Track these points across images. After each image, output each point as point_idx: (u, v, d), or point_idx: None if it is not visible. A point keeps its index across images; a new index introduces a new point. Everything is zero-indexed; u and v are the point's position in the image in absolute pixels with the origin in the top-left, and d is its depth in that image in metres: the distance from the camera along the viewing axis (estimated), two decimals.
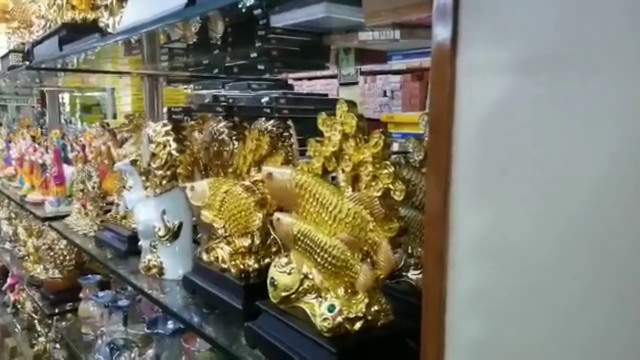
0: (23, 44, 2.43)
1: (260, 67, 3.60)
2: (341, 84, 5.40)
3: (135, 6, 1.20)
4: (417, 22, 1.24)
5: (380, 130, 0.75)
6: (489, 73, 0.55)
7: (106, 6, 1.50)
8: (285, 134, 1.36)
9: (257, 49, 2.76)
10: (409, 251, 0.95)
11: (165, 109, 3.28)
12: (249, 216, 1.04)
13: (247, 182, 1.07)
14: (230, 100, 4.03)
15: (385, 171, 0.73)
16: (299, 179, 0.84)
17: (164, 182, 1.25)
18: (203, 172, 1.38)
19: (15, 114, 7.07)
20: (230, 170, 1.30)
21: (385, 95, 5.41)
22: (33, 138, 2.65)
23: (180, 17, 0.94)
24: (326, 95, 4.32)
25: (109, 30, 1.46)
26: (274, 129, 1.34)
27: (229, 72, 3.85)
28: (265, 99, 3.73)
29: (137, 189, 1.37)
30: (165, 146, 1.23)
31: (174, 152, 1.23)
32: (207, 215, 1.13)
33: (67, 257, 2.17)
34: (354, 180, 0.80)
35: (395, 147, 3.87)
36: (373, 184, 0.75)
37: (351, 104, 0.80)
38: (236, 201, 1.05)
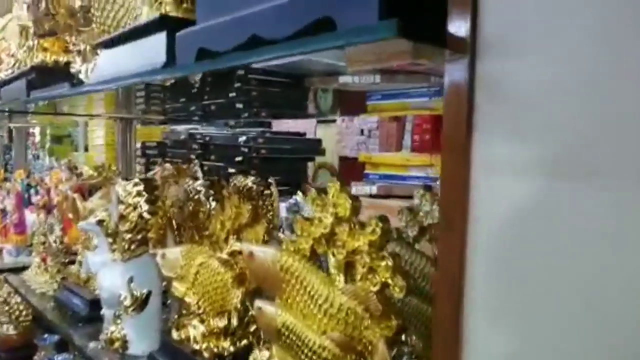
0: None
1: (239, 106, 3.53)
2: (319, 122, 5.38)
3: (110, 57, 1.12)
4: (398, 68, 1.21)
5: (379, 216, 0.67)
6: (510, 171, 0.48)
7: (79, 52, 1.42)
8: (267, 191, 1.28)
9: (236, 89, 2.69)
10: (402, 339, 0.86)
11: (138, 144, 3.18)
12: (226, 293, 0.94)
13: (224, 255, 0.98)
14: (207, 138, 3.94)
15: (384, 264, 0.65)
16: (284, 261, 0.75)
17: (132, 246, 1.14)
18: (176, 233, 1.28)
19: None
20: (206, 233, 1.21)
21: (362, 134, 5.42)
22: None
23: (157, 75, 0.86)
24: (304, 134, 4.28)
25: (81, 76, 1.38)
26: (254, 186, 1.26)
27: (206, 111, 3.78)
28: (242, 138, 3.66)
29: (102, 250, 1.25)
30: (135, 208, 1.13)
31: (145, 215, 1.13)
32: (178, 288, 1.03)
33: (24, 312, 2.00)
34: (347, 267, 0.72)
35: (374, 188, 3.75)
36: (369, 276, 0.67)
37: (342, 184, 0.72)
38: (212, 276, 0.96)
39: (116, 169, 1.97)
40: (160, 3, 1.00)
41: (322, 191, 0.76)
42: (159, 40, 0.90)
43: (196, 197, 1.23)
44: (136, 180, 1.15)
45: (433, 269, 0.84)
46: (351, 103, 5.16)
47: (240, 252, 0.99)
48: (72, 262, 1.67)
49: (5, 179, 2.72)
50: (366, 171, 4.75)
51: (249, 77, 2.33)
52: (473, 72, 0.49)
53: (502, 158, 0.48)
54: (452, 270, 0.50)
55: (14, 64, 2.01)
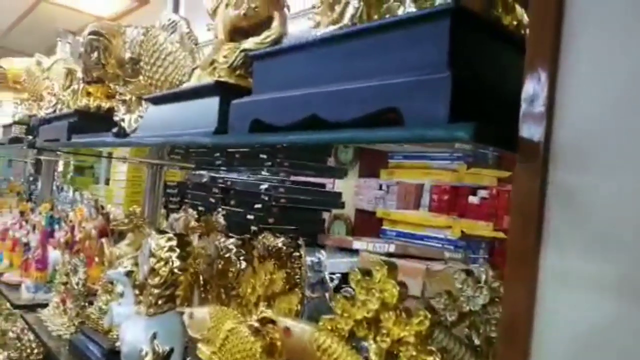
0: (30, 116, 2.39)
1: (263, 156, 3.57)
2: None
3: (158, 112, 1.15)
4: None
5: (426, 307, 0.66)
6: (580, 287, 0.47)
7: (124, 101, 1.46)
8: (296, 253, 1.27)
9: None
10: None
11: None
12: None
13: (255, 323, 0.96)
14: (228, 183, 3.98)
15: (431, 358, 0.63)
16: (322, 341, 0.74)
17: (160, 302, 1.13)
18: (202, 289, 1.27)
19: (6, 169, 6.91)
20: (234, 293, 1.20)
21: (381, 188, 5.42)
22: (21, 213, 2.52)
23: (209, 139, 0.87)
24: (324, 185, 4.29)
25: (124, 125, 1.41)
26: (284, 247, 1.25)
27: (230, 159, 3.82)
28: (264, 186, 3.68)
29: (127, 302, 1.24)
30: (167, 263, 1.13)
31: (176, 271, 1.13)
32: (204, 351, 1.00)
33: (35, 351, 1.97)
34: (388, 355, 0.70)
35: (392, 247, 3.68)
36: None
37: (392, 266, 0.71)
38: (241, 344, 0.93)
39: (141, 210, 1.98)
40: (214, 68, 1.04)
41: (366, 272, 0.75)
42: (212, 105, 0.93)
43: (227, 255, 1.23)
44: (170, 235, 1.15)
45: (472, 358, 0.81)
46: (372, 160, 5.19)
47: (270, 320, 0.97)
48: (91, 303, 1.65)
49: (31, 210, 2.76)
50: (383, 227, 4.72)
51: None
52: (545, 180, 0.49)
53: (572, 272, 0.47)
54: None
55: (55, 104, 2.07)
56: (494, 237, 4.18)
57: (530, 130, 0.50)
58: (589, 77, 0.48)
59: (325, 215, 4.34)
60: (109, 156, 2.31)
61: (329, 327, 0.77)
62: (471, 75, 0.56)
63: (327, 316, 0.79)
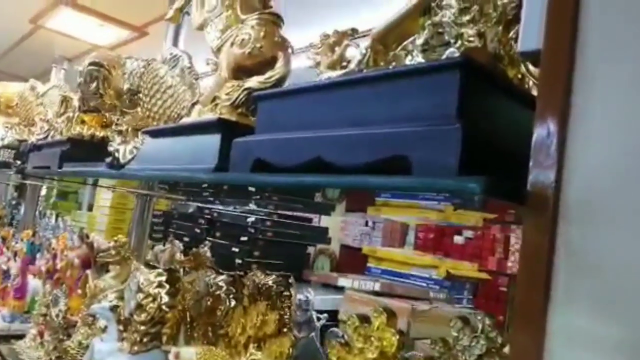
0: (20, 141, 2.36)
1: (251, 189, 3.54)
2: None
3: (156, 145, 1.14)
4: None
5: (435, 349, 0.65)
6: (588, 348, 0.46)
7: (120, 132, 1.45)
8: (286, 293, 1.25)
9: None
10: None
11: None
12: None
13: None
14: (215, 214, 3.94)
15: None
16: None
17: (145, 339, 1.10)
18: (189, 327, 1.24)
19: None
20: (222, 332, 1.17)
21: (366, 225, 5.41)
22: (3, 239, 2.46)
23: (209, 177, 0.87)
24: (310, 220, 4.28)
25: (118, 156, 1.40)
26: (275, 286, 1.23)
27: (218, 189, 3.79)
28: (250, 219, 3.65)
29: (110, 338, 1.20)
30: (155, 299, 1.10)
31: (164, 308, 1.10)
32: None
33: None
34: None
35: (377, 285, 3.65)
36: None
37: (390, 314, 0.70)
38: None
39: (126, 240, 1.95)
40: (216, 104, 1.04)
41: (364, 318, 0.73)
42: (213, 141, 0.92)
43: (216, 292, 1.20)
44: (160, 270, 1.13)
45: None
46: (359, 196, 5.20)
47: None
48: (69, 336, 1.60)
49: (12, 236, 2.69)
50: (369, 264, 4.69)
51: None
52: (554, 236, 0.49)
53: (581, 331, 0.47)
54: None
55: (47, 130, 2.06)
56: (479, 277, 4.18)
57: (539, 184, 0.51)
58: (599, 131, 0.49)
59: (310, 250, 4.31)
60: (98, 184, 2.28)
61: None
62: (480, 127, 0.57)
63: None
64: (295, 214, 3.88)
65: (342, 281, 3.95)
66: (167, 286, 1.11)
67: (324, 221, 4.40)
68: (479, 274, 4.14)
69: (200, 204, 4.13)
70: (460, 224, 4.44)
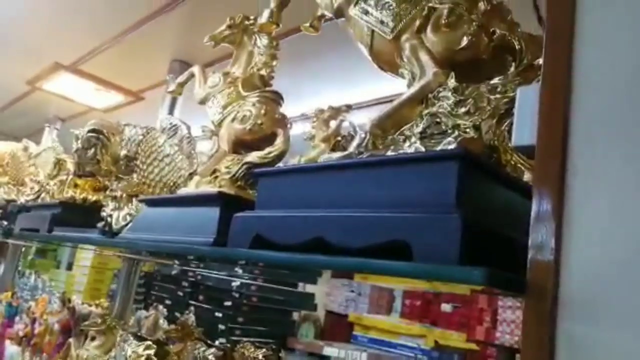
0: (7, 201, 2.34)
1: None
2: None
3: (152, 215, 1.15)
4: None
5: None
6: None
7: (114, 197, 1.46)
8: None
9: None
10: None
11: None
12: None
13: None
14: (199, 277, 3.87)
15: None
16: None
17: None
18: None
19: None
20: None
21: (352, 291, 5.33)
22: None
23: (207, 252, 0.87)
24: (296, 285, 4.22)
25: (111, 221, 1.40)
26: (264, 359, 1.21)
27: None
28: (236, 283, 3.59)
29: None
30: None
31: None
32: None
33: None
34: None
35: (364, 356, 3.57)
36: None
37: None
38: None
39: (109, 305, 1.90)
40: (216, 177, 1.07)
41: None
42: (212, 214, 0.94)
43: None
44: (149, 342, 1.10)
45: None
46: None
47: None
48: None
49: None
50: (355, 332, 4.59)
51: None
52: (554, 329, 0.50)
53: None
54: None
55: (38, 191, 2.05)
56: (467, 348, 4.10)
57: (538, 278, 0.52)
58: (595, 225, 0.51)
59: (295, 315, 4.22)
60: (85, 248, 2.25)
61: None
62: (478, 215, 0.59)
63: None
64: (280, 279, 3.84)
65: (328, 350, 3.85)
66: None
67: (310, 287, 4.34)
68: (467, 344, 4.06)
69: (185, 267, 4.06)
70: (448, 292, 4.41)
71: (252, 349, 1.25)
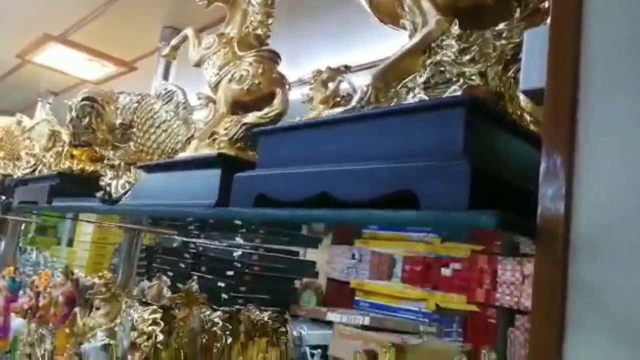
0: (4, 175, 2.32)
1: (238, 222, 3.52)
2: None
3: (152, 180, 1.14)
4: None
5: None
6: None
7: (112, 166, 1.44)
8: (282, 329, 1.23)
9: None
10: None
11: None
12: None
13: None
14: (200, 249, 3.89)
15: None
16: None
17: None
18: None
19: None
20: None
21: (353, 257, 5.38)
22: None
23: (209, 213, 0.86)
24: (297, 253, 4.25)
25: (110, 190, 1.38)
26: (270, 322, 1.22)
27: (204, 222, 3.75)
28: (237, 253, 3.61)
29: None
30: (150, 337, 1.07)
31: (159, 346, 1.07)
32: None
33: None
34: None
35: (367, 320, 3.61)
36: None
37: (399, 348, 0.70)
38: None
39: (113, 276, 1.91)
40: (214, 140, 1.05)
41: (372, 354, 0.73)
42: (213, 177, 0.92)
43: (212, 329, 1.18)
44: (155, 307, 1.11)
45: None
46: (346, 228, 5.18)
47: None
48: None
49: None
50: (357, 298, 4.65)
51: None
52: (566, 271, 0.49)
53: None
54: None
55: (34, 164, 2.03)
56: (467, 310, 4.17)
57: (549, 218, 0.52)
58: (606, 165, 0.50)
59: (297, 284, 4.27)
60: (85, 220, 2.24)
61: None
62: (485, 162, 0.58)
63: None
64: (282, 247, 3.87)
65: (331, 316, 3.90)
66: (162, 324, 1.09)
67: (310, 255, 4.38)
68: (467, 306, 4.13)
69: (186, 239, 4.08)
70: (448, 255, 4.45)
71: (257, 312, 1.26)
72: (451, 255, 4.43)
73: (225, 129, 1.03)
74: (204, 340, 1.18)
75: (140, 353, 1.07)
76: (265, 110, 1.02)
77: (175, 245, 4.11)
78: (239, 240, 3.83)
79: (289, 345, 1.22)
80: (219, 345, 1.16)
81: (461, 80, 0.66)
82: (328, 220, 0.78)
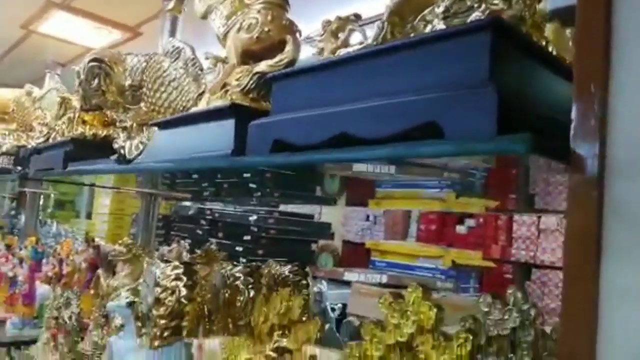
0: (18, 147, 2.33)
1: (252, 186, 3.53)
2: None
3: (166, 137, 1.12)
4: (414, 159, 1.21)
5: (465, 327, 0.64)
6: None
7: (124, 128, 1.43)
8: (303, 282, 1.23)
9: (251, 168, 2.69)
10: None
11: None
12: None
13: (272, 353, 0.92)
14: (216, 215, 3.92)
15: None
16: None
17: (165, 333, 1.08)
18: (207, 322, 1.22)
19: None
20: (242, 323, 1.15)
21: (368, 219, 5.40)
22: (7, 247, 2.43)
23: (227, 163, 0.85)
24: (312, 216, 4.27)
25: (124, 152, 1.38)
26: (291, 275, 1.22)
27: (219, 189, 3.77)
28: (253, 217, 3.64)
29: (129, 335, 1.18)
30: (173, 292, 1.08)
31: (183, 300, 1.08)
32: None
33: None
34: None
35: (384, 277, 3.64)
36: None
37: (425, 289, 0.69)
38: None
39: (134, 241, 1.92)
40: (226, 91, 1.02)
41: (397, 295, 0.72)
42: (227, 127, 0.91)
43: (234, 283, 1.19)
44: (176, 263, 1.11)
45: None
46: (359, 189, 5.19)
47: (287, 350, 0.93)
48: (82, 339, 1.58)
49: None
50: (373, 258, 4.68)
51: None
52: (601, 194, 0.48)
53: (634, 288, 0.45)
54: None
55: (47, 133, 2.03)
56: (484, 266, 4.18)
57: (583, 144, 0.49)
58: None
59: (312, 246, 4.31)
60: (102, 186, 2.25)
61: (357, 354, 0.73)
62: (513, 89, 0.56)
63: (354, 342, 0.76)
64: (296, 211, 3.88)
65: (349, 275, 3.94)
66: (185, 279, 1.09)
67: (325, 218, 4.40)
68: (484, 262, 4.14)
69: (201, 206, 4.11)
70: (463, 212, 4.44)
71: (278, 267, 1.26)
72: (466, 212, 4.42)
73: (237, 79, 1.00)
74: (227, 294, 1.19)
75: (165, 308, 1.08)
76: (277, 58, 0.99)
77: (191, 212, 4.15)
78: (254, 201, 3.85)
79: (311, 297, 1.22)
80: (241, 298, 1.17)
81: (483, 5, 0.63)
82: (350, 160, 0.76)
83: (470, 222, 4.48)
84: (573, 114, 0.50)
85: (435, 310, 0.66)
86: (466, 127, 0.54)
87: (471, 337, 0.62)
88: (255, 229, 3.73)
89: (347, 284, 3.55)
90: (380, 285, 3.39)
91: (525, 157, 0.46)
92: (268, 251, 3.64)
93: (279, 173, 3.08)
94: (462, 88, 0.56)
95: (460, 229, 4.51)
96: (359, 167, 1.46)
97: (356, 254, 4.97)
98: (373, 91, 0.66)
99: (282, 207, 4.32)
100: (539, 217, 3.97)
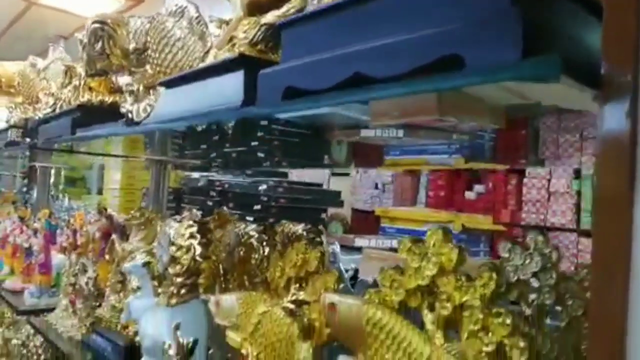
0: (26, 119, 2.32)
1: (260, 155, 3.52)
2: (333, 174, 5.37)
3: (174, 96, 1.11)
4: (422, 123, 1.19)
5: (490, 263, 0.62)
6: None
7: (131, 92, 1.41)
8: (317, 239, 1.23)
9: (258, 138, 2.67)
10: None
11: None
12: (290, 347, 0.88)
13: (289, 304, 0.92)
14: (226, 186, 3.93)
15: (500, 320, 0.59)
16: (371, 314, 0.70)
17: (182, 291, 1.08)
18: (222, 280, 1.23)
19: None
20: (258, 280, 1.15)
21: (376, 187, 5.39)
22: (21, 219, 2.45)
23: (238, 114, 0.83)
24: (321, 185, 4.26)
25: (132, 116, 1.36)
26: (305, 233, 1.21)
27: (227, 159, 3.76)
28: (262, 187, 3.64)
29: (146, 295, 1.19)
30: (188, 250, 1.08)
31: (198, 258, 1.08)
32: (233, 338, 0.96)
33: (42, 357, 1.90)
34: (445, 324, 0.66)
35: (394, 242, 3.69)
36: (481, 335, 0.61)
37: (445, 231, 0.68)
38: (276, 327, 0.89)
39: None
40: (234, 44, 1.00)
41: (416, 240, 0.71)
42: (235, 79, 0.88)
43: (248, 241, 1.18)
44: (190, 222, 1.11)
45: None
46: (368, 156, 5.15)
47: (304, 302, 0.93)
48: (100, 305, 1.60)
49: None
50: (383, 224, 4.69)
51: (272, 126, 2.33)
52: (635, 120, 0.45)
53: None
54: (611, 332, 0.45)
55: (54, 104, 2.02)
56: (494, 230, 4.17)
57: (616, 68, 0.47)
58: None
59: (323, 216, 4.32)
60: (113, 155, 2.25)
61: (377, 300, 0.73)
62: (536, 12, 0.53)
63: (373, 289, 0.75)
64: (301, 178, 3.86)
65: (359, 241, 3.96)
66: (199, 237, 1.09)
67: (334, 186, 4.40)
68: (494, 226, 4.13)
69: (210, 177, 4.10)
70: (472, 177, 4.41)
71: (291, 226, 1.25)
72: (475, 177, 4.39)
73: (244, 32, 0.97)
74: (241, 252, 1.19)
75: (181, 266, 1.08)
76: (284, 7, 0.96)
77: (200, 184, 4.16)
78: (262, 173, 3.84)
79: (325, 254, 1.22)
80: (256, 256, 1.17)
81: None
82: (367, 97, 0.74)
83: (480, 187, 4.44)
84: (603, 37, 0.47)
85: (456, 250, 0.65)
86: (489, 55, 0.51)
87: (495, 276, 0.61)
88: (265, 199, 3.72)
89: (358, 249, 3.57)
90: (391, 250, 3.41)
91: (555, 80, 0.43)
92: (279, 220, 3.63)
93: (287, 141, 3.06)
94: (483, 15, 0.53)
95: (470, 195, 4.48)
96: (367, 133, 1.44)
97: (366, 222, 4.98)
98: (386, 29, 0.64)
99: (291, 178, 4.31)
100: (549, 180, 3.93)
